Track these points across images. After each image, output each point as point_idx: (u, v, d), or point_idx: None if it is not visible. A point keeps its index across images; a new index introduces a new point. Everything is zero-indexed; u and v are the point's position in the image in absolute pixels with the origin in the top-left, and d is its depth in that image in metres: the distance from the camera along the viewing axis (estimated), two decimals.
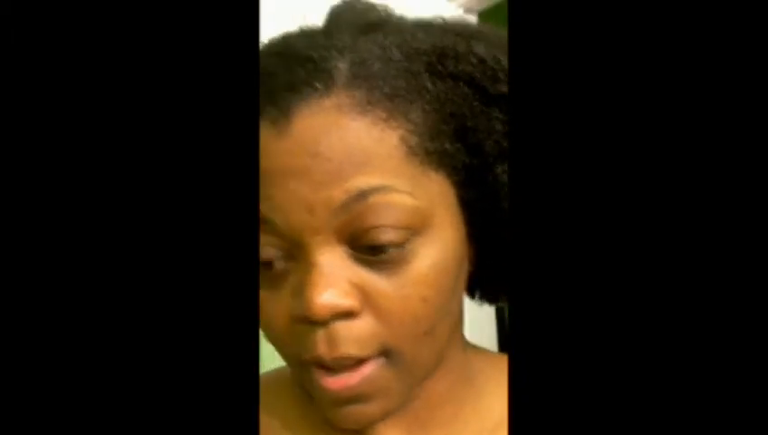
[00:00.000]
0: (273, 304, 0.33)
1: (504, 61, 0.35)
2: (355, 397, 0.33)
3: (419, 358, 0.34)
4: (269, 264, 0.33)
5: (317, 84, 0.32)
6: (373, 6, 0.37)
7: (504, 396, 0.40)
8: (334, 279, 0.31)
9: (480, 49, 0.35)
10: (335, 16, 0.36)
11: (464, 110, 0.34)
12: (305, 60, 0.32)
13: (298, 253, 0.32)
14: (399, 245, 0.32)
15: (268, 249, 0.32)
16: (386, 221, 0.31)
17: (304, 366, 0.33)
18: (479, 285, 0.40)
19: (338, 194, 0.31)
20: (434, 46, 0.34)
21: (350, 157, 0.31)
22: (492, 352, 0.44)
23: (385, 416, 0.34)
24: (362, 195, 0.31)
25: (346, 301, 0.31)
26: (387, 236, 0.31)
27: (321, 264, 0.31)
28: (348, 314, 0.32)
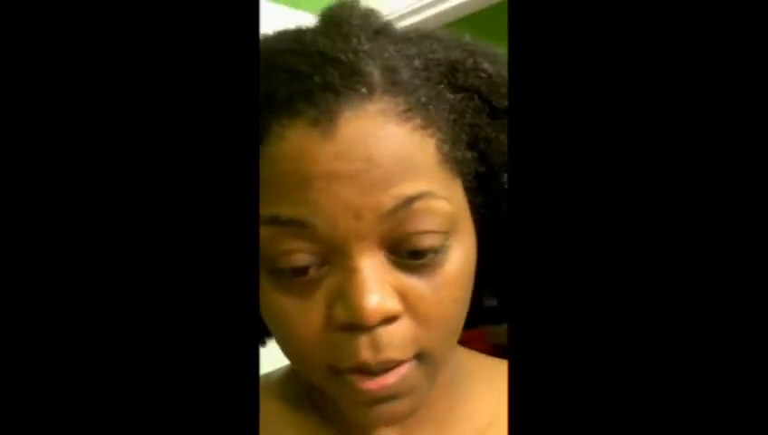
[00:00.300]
0: (304, 313, 0.32)
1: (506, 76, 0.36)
2: (389, 396, 0.33)
3: (445, 356, 0.35)
4: (304, 270, 0.32)
5: (361, 88, 0.31)
6: (372, 11, 0.37)
7: (493, 397, 0.41)
8: (379, 284, 0.31)
9: (485, 65, 0.36)
10: (343, 18, 0.35)
11: (476, 120, 0.35)
12: (334, 61, 0.32)
13: (335, 258, 0.32)
14: (438, 250, 0.32)
15: (302, 255, 0.32)
16: (428, 226, 0.32)
17: (337, 374, 0.33)
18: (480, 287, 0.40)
19: (386, 200, 0.31)
20: (446, 58, 0.35)
21: (398, 163, 0.31)
22: (480, 354, 0.45)
23: (412, 413, 0.35)
24: (409, 201, 0.31)
25: (393, 305, 0.32)
26: (428, 241, 0.32)
27: (366, 268, 0.31)
28: (391, 319, 0.32)
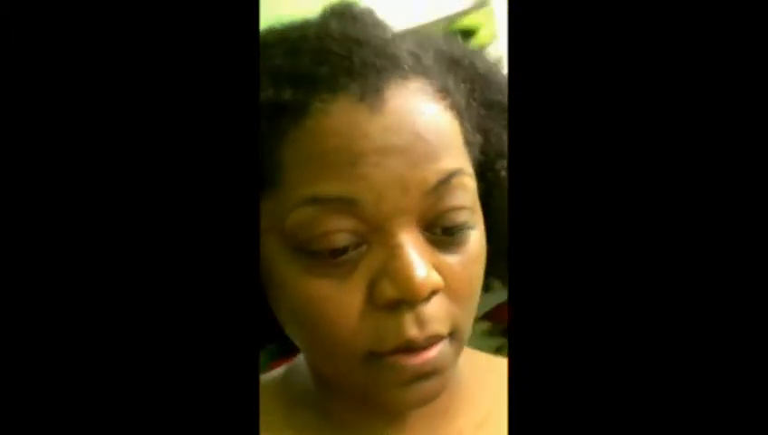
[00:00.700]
0: (342, 296, 0.32)
1: (500, 76, 0.39)
2: (430, 372, 0.33)
3: (467, 334, 0.35)
4: (342, 251, 0.31)
5: (398, 68, 0.32)
6: (369, 10, 0.37)
7: (488, 392, 0.41)
8: (422, 259, 0.31)
9: (479, 62, 0.39)
10: (356, 11, 0.36)
11: (477, 111, 0.36)
12: (367, 44, 0.33)
13: (375, 237, 0.32)
14: (469, 226, 0.33)
15: (343, 235, 0.31)
16: (462, 202, 0.33)
17: (377, 358, 0.32)
18: None
19: (431, 175, 0.31)
20: (449, 52, 0.37)
21: (439, 138, 0.32)
22: (473, 350, 0.45)
23: (440, 394, 0.34)
24: (449, 176, 0.32)
25: (438, 278, 0.32)
26: (462, 217, 0.33)
27: (409, 244, 0.31)
28: (433, 293, 0.32)
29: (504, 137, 0.38)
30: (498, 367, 0.44)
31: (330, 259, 0.32)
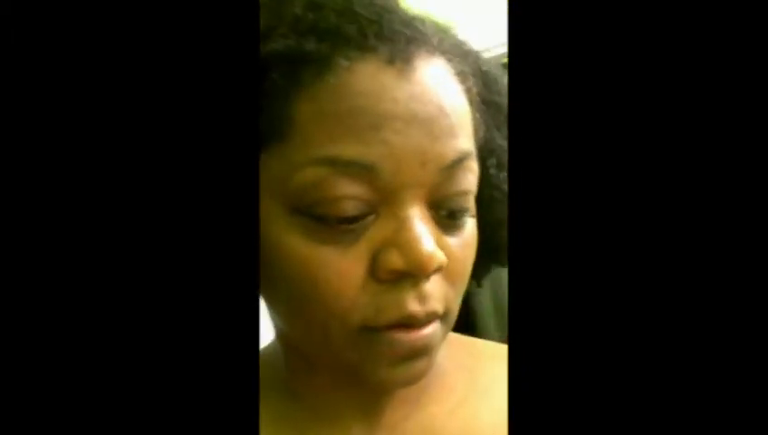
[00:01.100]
0: (344, 264, 0.30)
1: (499, 78, 0.39)
2: (419, 351, 0.32)
3: (455, 318, 0.35)
4: (352, 219, 0.30)
5: (431, 38, 0.32)
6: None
7: (462, 376, 0.41)
8: (430, 234, 0.31)
9: (482, 61, 0.38)
10: None
11: (479, 105, 0.36)
12: (396, 13, 0.32)
13: (384, 207, 0.31)
14: (471, 214, 0.33)
15: (355, 202, 0.30)
16: (470, 187, 0.33)
17: (372, 331, 0.31)
18: None
19: (449, 151, 0.31)
20: (455, 44, 0.36)
21: (459, 116, 0.32)
22: (453, 334, 0.44)
23: (425, 375, 0.34)
24: (463, 156, 0.32)
25: (443, 256, 0.31)
26: (468, 202, 0.33)
27: (419, 217, 0.31)
28: (437, 271, 0.31)
29: (497, 137, 0.38)
30: (476, 350, 0.44)
31: (335, 226, 0.30)
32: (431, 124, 0.30)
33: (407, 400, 0.39)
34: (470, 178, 0.33)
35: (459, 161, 0.31)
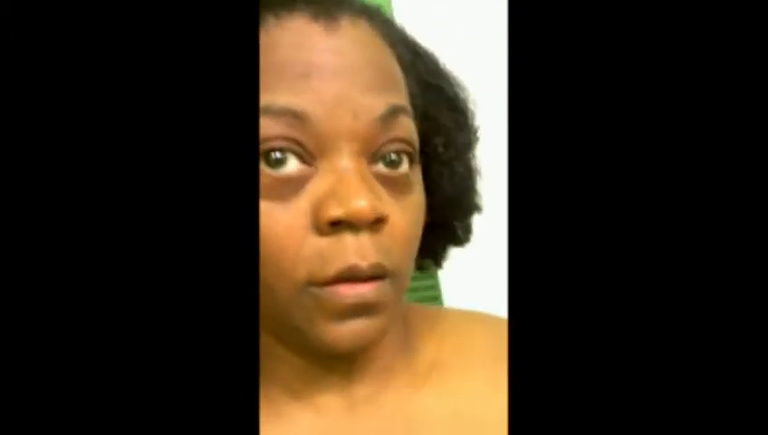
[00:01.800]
0: (286, 216, 0.31)
1: (440, 63, 0.41)
2: (364, 306, 0.32)
3: (406, 284, 0.35)
4: (292, 172, 0.31)
5: (359, 7, 0.34)
6: None
7: (431, 344, 0.41)
8: (369, 185, 0.32)
9: (420, 47, 0.40)
10: None
11: (417, 83, 0.38)
12: None
13: (322, 161, 0.32)
14: (410, 165, 0.34)
15: (289, 152, 0.31)
16: (405, 135, 0.34)
17: (315, 286, 0.31)
18: None
19: (380, 104, 0.32)
20: (396, 26, 0.38)
21: (388, 73, 0.34)
22: (418, 305, 0.45)
23: (381, 337, 0.34)
24: (396, 110, 0.33)
25: (384, 208, 0.32)
26: (406, 149, 0.34)
27: (356, 169, 0.32)
28: (377, 222, 0.32)
29: (442, 117, 0.39)
30: (443, 318, 0.43)
31: (276, 181, 0.31)
32: (358, 75, 0.32)
33: (380, 371, 0.39)
34: (406, 129, 0.34)
35: (392, 113, 0.33)
